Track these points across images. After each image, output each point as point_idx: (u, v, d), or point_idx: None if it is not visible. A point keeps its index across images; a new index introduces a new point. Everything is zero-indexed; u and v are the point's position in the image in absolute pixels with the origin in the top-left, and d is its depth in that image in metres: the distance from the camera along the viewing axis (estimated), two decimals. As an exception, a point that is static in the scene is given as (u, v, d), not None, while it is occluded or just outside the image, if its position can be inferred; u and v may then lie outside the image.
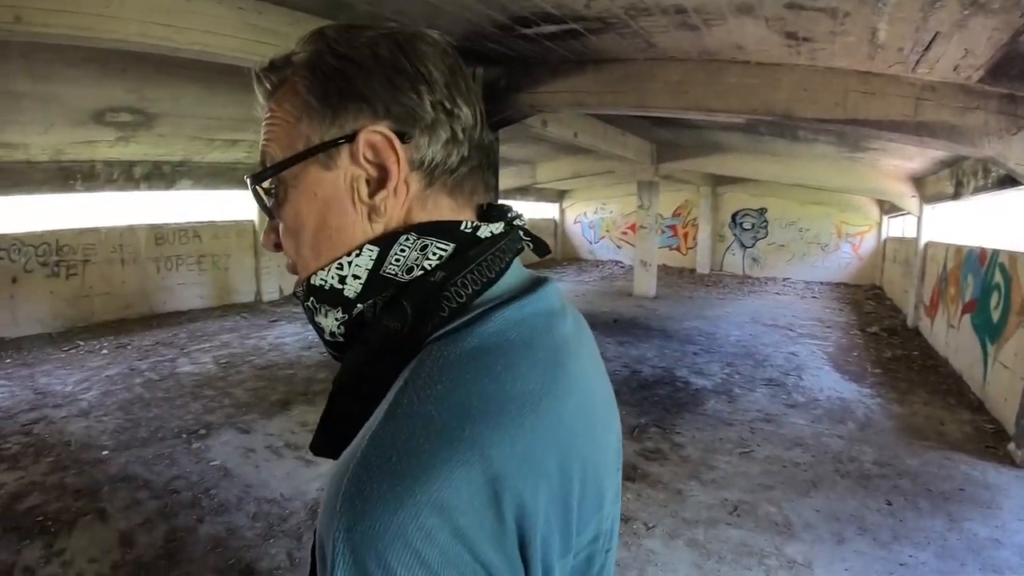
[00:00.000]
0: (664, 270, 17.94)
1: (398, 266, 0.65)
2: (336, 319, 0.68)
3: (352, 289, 0.66)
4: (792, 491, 4.44)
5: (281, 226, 0.72)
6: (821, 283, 16.11)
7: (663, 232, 18.93)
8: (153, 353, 8.81)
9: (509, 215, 0.72)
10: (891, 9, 3.52)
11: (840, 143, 8.71)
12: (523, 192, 19.02)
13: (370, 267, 0.66)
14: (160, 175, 11.07)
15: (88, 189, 10.33)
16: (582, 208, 22.27)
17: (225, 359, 8.43)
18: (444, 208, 0.68)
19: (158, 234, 11.72)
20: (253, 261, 13.19)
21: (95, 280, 10.78)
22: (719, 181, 17.16)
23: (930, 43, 3.95)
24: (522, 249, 0.73)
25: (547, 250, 0.79)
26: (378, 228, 0.67)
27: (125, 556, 3.72)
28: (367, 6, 4.69)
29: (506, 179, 16.08)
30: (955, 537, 3.90)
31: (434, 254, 0.65)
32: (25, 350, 9.00)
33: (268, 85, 0.71)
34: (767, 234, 17.60)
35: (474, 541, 0.50)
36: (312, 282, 0.68)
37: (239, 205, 13.13)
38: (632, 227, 17.88)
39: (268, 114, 0.70)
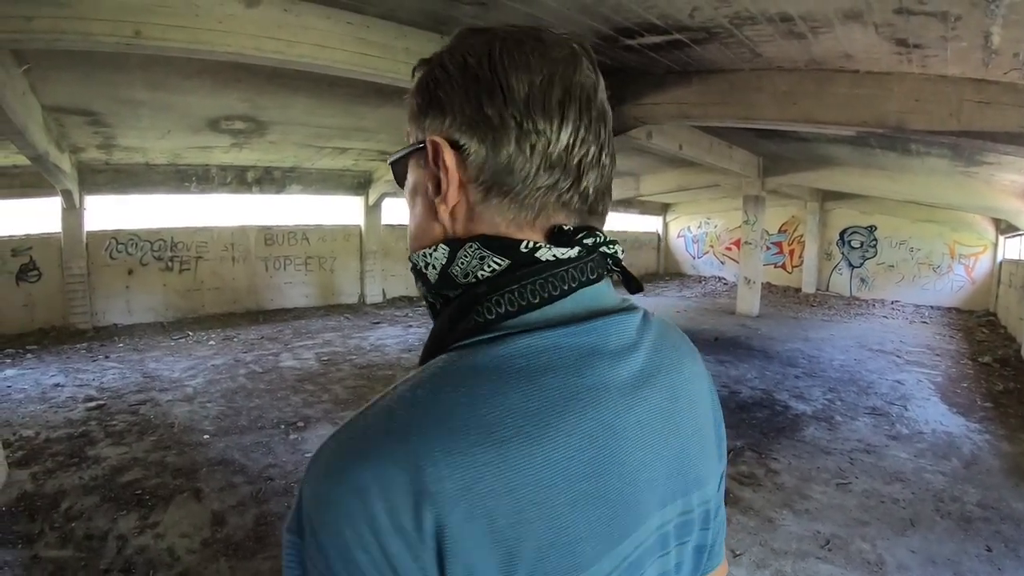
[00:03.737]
0: (768, 288, 17.40)
1: (460, 269, 0.67)
2: (424, 290, 0.74)
3: (432, 276, 0.70)
4: (888, 529, 4.17)
5: None
6: (931, 307, 15.17)
7: (768, 249, 18.31)
8: (258, 347, 9.27)
9: (586, 240, 0.68)
10: (1004, 11, 3.29)
11: (954, 156, 8.20)
12: (627, 205, 18.87)
13: (443, 263, 0.68)
14: (271, 180, 11.67)
15: (202, 191, 11.04)
16: (686, 222, 21.85)
17: (327, 356, 8.75)
18: (499, 224, 0.67)
19: (268, 235, 12.38)
20: (358, 264, 13.70)
21: (206, 275, 11.50)
22: (827, 196, 16.50)
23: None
24: (598, 278, 0.70)
25: (637, 287, 0.77)
26: (448, 230, 0.69)
27: (215, 534, 3.91)
28: (471, 20, 4.77)
29: (611, 191, 16.01)
30: (1058, 592, 3.59)
31: (488, 267, 0.66)
32: (137, 337, 9.69)
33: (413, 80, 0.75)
34: (876, 253, 16.73)
35: (387, 537, 0.53)
36: (410, 257, 0.75)
37: (347, 210, 13.65)
38: (736, 243, 17.39)
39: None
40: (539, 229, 0.68)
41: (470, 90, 0.66)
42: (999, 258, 14.25)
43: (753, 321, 12.75)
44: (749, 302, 13.62)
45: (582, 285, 0.68)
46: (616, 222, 19.80)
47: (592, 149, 0.68)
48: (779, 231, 18.84)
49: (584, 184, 0.68)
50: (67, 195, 9.32)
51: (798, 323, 12.71)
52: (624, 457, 0.64)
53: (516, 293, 0.65)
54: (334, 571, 0.54)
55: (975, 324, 13.05)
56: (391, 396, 0.60)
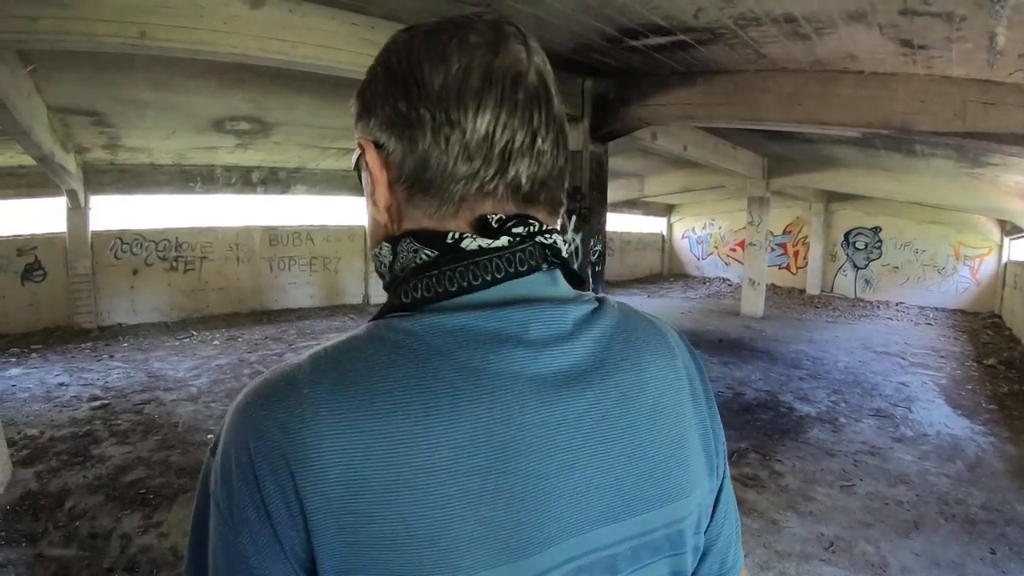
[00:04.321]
0: (773, 289, 17.35)
1: (400, 263, 0.68)
2: (384, 287, 0.73)
3: (385, 273, 0.71)
4: (892, 531, 4.16)
5: None
6: (936, 309, 15.14)
7: (772, 250, 18.33)
8: (262, 347, 9.29)
9: (515, 230, 0.65)
10: (1009, 12, 3.27)
11: (959, 158, 8.17)
12: (631, 206, 18.81)
13: (390, 260, 0.69)
14: (276, 180, 11.72)
15: (207, 191, 11.07)
16: (690, 223, 21.81)
17: (330, 357, 8.71)
18: (422, 218, 0.67)
19: (272, 235, 12.39)
20: (362, 265, 13.68)
21: (211, 276, 11.52)
22: (832, 197, 16.44)
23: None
24: (529, 270, 0.66)
25: (577, 281, 0.73)
26: (388, 228, 0.70)
27: (219, 535, 3.90)
28: (473, 19, 4.76)
29: (614, 192, 15.91)
30: (1062, 595, 3.57)
31: (420, 259, 0.66)
32: (142, 336, 9.72)
33: None
34: (881, 254, 16.69)
35: (264, 477, 0.55)
36: (372, 255, 0.74)
37: (351, 210, 13.63)
38: (741, 244, 17.38)
39: None
40: (464, 220, 0.66)
41: (389, 89, 0.66)
42: (1004, 260, 14.21)
43: (757, 322, 12.74)
44: (753, 303, 13.60)
45: (510, 276, 0.65)
46: (620, 223, 19.80)
47: (520, 135, 0.65)
48: (784, 232, 18.81)
49: (513, 173, 0.65)
50: (72, 195, 9.33)
51: (802, 324, 12.70)
52: (536, 459, 0.60)
53: (434, 280, 0.64)
54: (219, 494, 0.58)
55: (980, 326, 13.02)
56: (310, 352, 0.62)
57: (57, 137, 7.35)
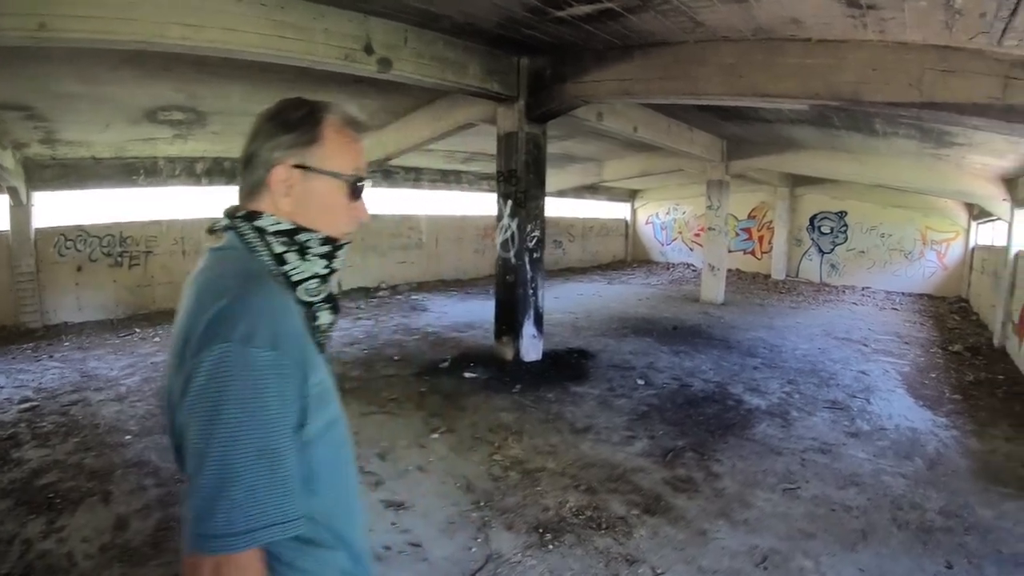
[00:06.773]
0: (737, 275, 17.30)
1: None
2: None
3: None
4: (836, 542, 3.82)
5: None
6: (902, 294, 15.15)
7: (737, 235, 18.37)
8: (204, 342, 8.97)
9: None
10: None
11: (922, 138, 8.00)
12: (592, 191, 18.66)
13: None
14: (221, 171, 11.48)
15: (151, 184, 10.81)
16: (654, 208, 21.71)
17: (271, 352, 8.48)
18: None
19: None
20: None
21: (156, 270, 11.21)
22: (797, 181, 16.42)
23: (1016, 7, 3.33)
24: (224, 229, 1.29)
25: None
26: None
27: (115, 540, 3.74)
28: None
29: (571, 177, 15.75)
30: (1023, 617, 3.30)
31: None
32: (85, 335, 9.41)
33: None
34: (847, 239, 16.68)
35: None
36: None
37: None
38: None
39: None
40: None
41: None
42: (971, 244, 14.22)
43: (717, 309, 12.61)
44: (713, 289, 13.45)
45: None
46: (582, 208, 19.90)
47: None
48: (748, 217, 18.79)
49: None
50: (13, 192, 9.02)
51: (764, 311, 12.57)
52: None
53: None
54: None
55: (947, 311, 13.00)
56: None
57: (-10, 134, 7.08)
